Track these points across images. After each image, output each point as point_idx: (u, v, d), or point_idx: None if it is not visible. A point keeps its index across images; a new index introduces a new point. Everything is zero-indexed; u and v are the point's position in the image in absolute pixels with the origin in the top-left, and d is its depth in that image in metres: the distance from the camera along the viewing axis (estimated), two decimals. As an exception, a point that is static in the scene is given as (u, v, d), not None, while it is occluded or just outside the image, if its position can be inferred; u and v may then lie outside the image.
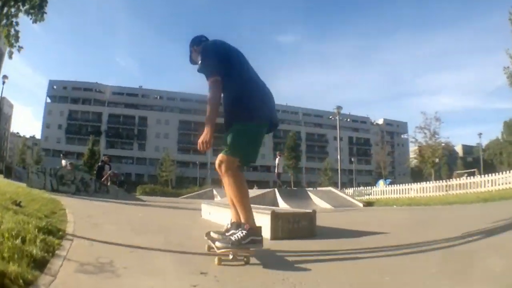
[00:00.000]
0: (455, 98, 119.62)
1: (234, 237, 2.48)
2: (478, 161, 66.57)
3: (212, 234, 2.69)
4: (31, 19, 5.83)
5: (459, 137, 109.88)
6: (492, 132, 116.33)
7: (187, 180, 59.42)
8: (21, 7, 5.78)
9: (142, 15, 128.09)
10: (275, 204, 12.05)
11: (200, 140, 2.59)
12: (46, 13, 5.85)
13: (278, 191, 13.42)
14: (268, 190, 14.07)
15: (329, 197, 13.86)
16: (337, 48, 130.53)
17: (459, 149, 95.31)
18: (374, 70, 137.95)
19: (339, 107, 27.98)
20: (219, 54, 2.76)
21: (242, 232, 2.49)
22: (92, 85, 79.39)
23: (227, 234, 2.57)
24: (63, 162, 18.00)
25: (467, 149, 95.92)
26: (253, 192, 13.68)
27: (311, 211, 4.18)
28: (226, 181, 2.63)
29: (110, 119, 76.58)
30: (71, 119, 74.72)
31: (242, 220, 2.58)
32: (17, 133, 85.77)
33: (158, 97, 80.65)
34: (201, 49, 2.84)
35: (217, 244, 2.52)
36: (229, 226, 2.69)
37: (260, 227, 2.63)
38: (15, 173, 26.62)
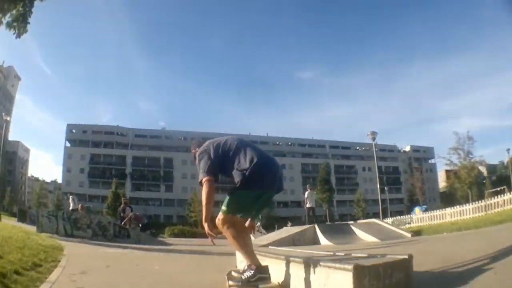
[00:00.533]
0: (473, 120, 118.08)
1: (244, 275, 2.84)
2: (501, 179, 66.15)
3: (233, 273, 3.08)
4: (14, 33, 5.52)
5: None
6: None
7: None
8: (1, 20, 5.41)
9: (161, 58, 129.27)
10: (316, 241, 11.22)
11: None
12: (29, 23, 5.65)
13: (318, 227, 12.00)
14: (307, 226, 12.71)
15: (373, 229, 12.56)
16: (356, 80, 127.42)
17: (483, 169, 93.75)
18: (395, 99, 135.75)
19: (373, 133, 27.38)
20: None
21: (250, 272, 2.82)
22: (113, 128, 78.11)
23: (243, 273, 2.89)
24: (71, 202, 17.22)
25: (491, 167, 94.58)
26: (290, 230, 13.57)
27: (406, 256, 2.55)
28: (225, 234, 2.95)
29: (135, 162, 75.24)
30: (93, 162, 73.38)
31: (248, 263, 2.89)
32: (36, 177, 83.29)
33: (182, 138, 78.78)
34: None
35: (230, 282, 2.96)
36: (246, 267, 2.92)
37: (266, 266, 2.91)
38: (29, 217, 25.21)
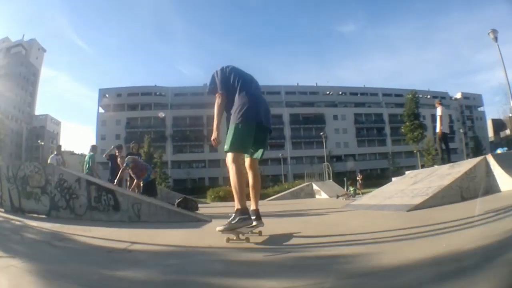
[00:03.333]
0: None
1: (229, 220, 3.18)
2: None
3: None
4: None
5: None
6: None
7: (267, 179, 51.54)
8: None
9: (200, 20, 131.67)
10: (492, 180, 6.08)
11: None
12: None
13: (494, 157, 6.37)
14: (478, 158, 6.65)
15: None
16: (397, 32, 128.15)
17: None
18: (434, 50, 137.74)
19: (494, 31, 18.44)
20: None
21: (234, 215, 3.17)
22: (150, 88, 73.18)
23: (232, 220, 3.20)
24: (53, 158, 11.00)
25: None
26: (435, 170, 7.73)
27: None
28: (230, 172, 3.30)
29: (175, 122, 69.79)
30: (130, 127, 67.92)
31: (235, 204, 3.24)
32: (71, 151, 78.63)
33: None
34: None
35: (218, 228, 3.21)
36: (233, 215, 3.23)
37: (248, 209, 3.25)
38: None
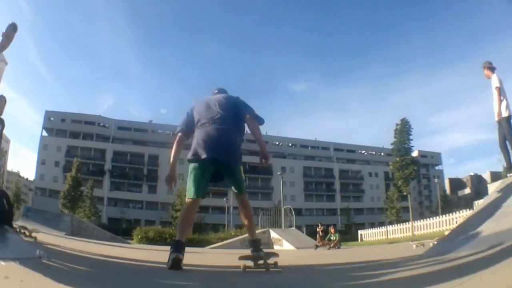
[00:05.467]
0: (465, 133, 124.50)
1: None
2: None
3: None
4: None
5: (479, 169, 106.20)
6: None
7: (207, 227, 48.68)
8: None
9: (153, 61, 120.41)
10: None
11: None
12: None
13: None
14: None
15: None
16: (350, 93, 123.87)
17: (487, 177, 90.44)
18: (388, 113, 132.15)
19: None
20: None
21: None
22: (95, 118, 68.44)
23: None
24: None
25: (494, 176, 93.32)
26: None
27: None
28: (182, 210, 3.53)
29: (116, 157, 66.04)
30: (70, 155, 63.66)
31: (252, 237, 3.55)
32: (17, 172, 74.68)
33: (171, 133, 70.37)
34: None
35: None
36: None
37: (181, 241, 3.08)
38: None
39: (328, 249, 11.86)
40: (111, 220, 58.18)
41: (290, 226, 18.50)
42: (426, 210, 78.96)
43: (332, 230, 13.68)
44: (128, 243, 14.29)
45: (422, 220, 26.65)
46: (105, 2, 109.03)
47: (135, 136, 68.71)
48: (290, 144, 76.20)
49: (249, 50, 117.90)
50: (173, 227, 30.82)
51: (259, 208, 60.26)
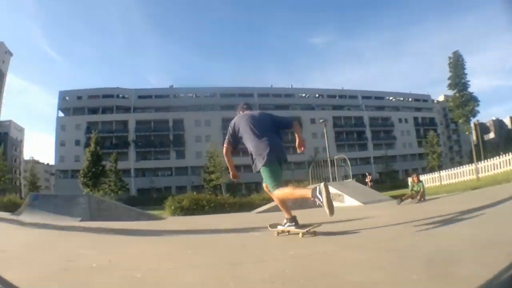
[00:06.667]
0: (484, 79, 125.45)
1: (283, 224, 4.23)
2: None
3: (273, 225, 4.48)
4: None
5: (499, 114, 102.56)
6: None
7: (240, 187, 47.09)
8: None
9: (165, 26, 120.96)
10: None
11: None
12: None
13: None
14: None
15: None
16: (368, 44, 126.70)
17: (508, 122, 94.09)
18: (406, 61, 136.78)
19: None
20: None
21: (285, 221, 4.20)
22: (112, 90, 66.54)
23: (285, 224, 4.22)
24: None
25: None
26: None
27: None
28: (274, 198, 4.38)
29: (139, 127, 64.31)
30: (91, 132, 62.44)
31: (284, 214, 4.25)
32: (36, 160, 74.42)
33: (194, 95, 68.00)
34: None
35: (278, 227, 4.29)
36: (285, 221, 4.21)
37: (295, 216, 4.17)
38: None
39: (417, 202, 9.06)
40: (140, 191, 57.27)
41: (346, 178, 15.51)
42: (457, 155, 78.01)
43: (414, 178, 10.17)
44: (160, 218, 11.30)
45: (486, 161, 23.38)
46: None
47: (157, 103, 66.54)
48: (317, 95, 73.15)
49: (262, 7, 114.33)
50: (209, 193, 27.60)
51: (292, 162, 59.75)
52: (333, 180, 15.04)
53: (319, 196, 3.48)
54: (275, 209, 10.91)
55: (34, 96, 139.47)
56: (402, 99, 77.92)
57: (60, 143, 62.96)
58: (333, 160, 16.43)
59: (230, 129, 4.38)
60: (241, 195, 25.11)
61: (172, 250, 3.83)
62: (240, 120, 4.34)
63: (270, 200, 13.69)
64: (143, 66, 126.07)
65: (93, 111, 65.04)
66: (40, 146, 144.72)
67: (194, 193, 16.98)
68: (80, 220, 9.56)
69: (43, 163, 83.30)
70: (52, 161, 69.78)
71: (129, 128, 63.84)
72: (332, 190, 10.34)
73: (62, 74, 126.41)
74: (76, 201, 11.28)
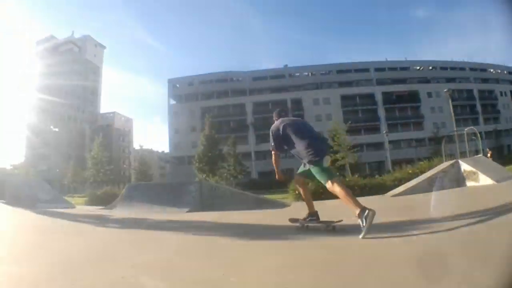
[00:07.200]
0: None
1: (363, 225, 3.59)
2: None
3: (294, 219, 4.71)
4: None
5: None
6: None
7: (363, 168, 45.64)
8: None
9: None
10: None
11: None
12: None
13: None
14: None
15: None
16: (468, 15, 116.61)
17: None
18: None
19: None
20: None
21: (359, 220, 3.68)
22: (226, 74, 66.52)
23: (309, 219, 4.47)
24: None
25: None
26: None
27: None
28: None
29: (256, 109, 62.26)
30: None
31: (354, 210, 3.73)
32: (150, 149, 73.66)
33: (310, 73, 67.27)
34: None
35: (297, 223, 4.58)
36: (307, 215, 4.47)
37: (365, 208, 3.61)
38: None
39: None
40: (261, 174, 55.37)
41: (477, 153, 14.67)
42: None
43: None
44: (284, 205, 9.24)
45: None
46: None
47: (273, 84, 65.55)
48: (430, 68, 70.96)
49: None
50: (338, 174, 24.68)
51: (414, 139, 58.62)
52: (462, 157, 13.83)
53: (364, 219, 3.55)
54: (411, 191, 9.45)
55: (143, 86, 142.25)
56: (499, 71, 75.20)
57: (174, 131, 62.67)
58: (464, 134, 15.55)
59: (274, 134, 4.53)
60: (365, 175, 22.30)
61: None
62: (285, 125, 4.45)
63: (402, 181, 12.09)
64: (253, 49, 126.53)
65: (207, 96, 64.48)
66: (154, 135, 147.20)
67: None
68: (187, 211, 8.55)
69: (156, 151, 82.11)
70: (167, 149, 69.02)
71: (247, 111, 63.01)
72: (465, 167, 9.46)
73: (168, 63, 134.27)
74: (186, 189, 9.80)
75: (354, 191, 10.32)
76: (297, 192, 11.56)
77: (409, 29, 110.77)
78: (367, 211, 3.55)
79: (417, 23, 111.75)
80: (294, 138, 4.30)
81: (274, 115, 4.88)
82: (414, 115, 63.42)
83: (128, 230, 5.84)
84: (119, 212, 9.24)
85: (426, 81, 66.59)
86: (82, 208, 12.68)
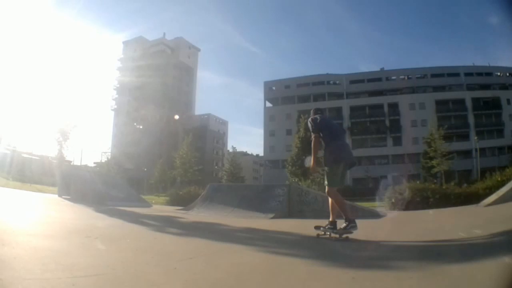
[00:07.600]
0: None
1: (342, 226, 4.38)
2: None
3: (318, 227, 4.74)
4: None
5: None
6: None
7: (453, 175, 42.78)
8: None
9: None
10: None
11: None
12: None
13: None
14: None
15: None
16: None
17: None
18: None
19: None
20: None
21: (345, 223, 4.40)
22: (322, 77, 66.92)
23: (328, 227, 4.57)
24: None
25: None
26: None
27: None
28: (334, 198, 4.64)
29: (353, 113, 62.82)
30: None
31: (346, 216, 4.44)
32: (234, 148, 77.91)
33: (406, 77, 65.81)
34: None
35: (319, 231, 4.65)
36: (328, 223, 4.56)
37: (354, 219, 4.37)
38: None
39: None
40: (355, 181, 54.59)
41: None
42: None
43: None
44: (378, 214, 8.69)
45: None
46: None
47: (370, 87, 64.81)
48: (508, 74, 64.80)
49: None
50: (434, 182, 22.44)
51: (496, 148, 54.85)
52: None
53: (349, 230, 4.30)
54: (504, 199, 8.95)
55: (239, 89, 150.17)
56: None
57: (270, 133, 64.11)
58: None
59: (314, 124, 4.80)
60: (455, 183, 20.21)
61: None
62: (323, 119, 4.88)
63: (492, 189, 10.75)
64: (350, 52, 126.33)
65: (304, 99, 65.05)
66: (249, 138, 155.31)
67: (417, 181, 14.72)
68: (272, 218, 7.89)
69: (251, 154, 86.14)
70: (262, 153, 71.47)
71: (344, 115, 62.76)
72: None
73: (263, 66, 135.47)
74: (272, 192, 9.21)
75: (449, 200, 11.56)
76: (393, 200, 12.85)
77: (485, 35, 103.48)
78: (352, 224, 4.27)
79: (492, 28, 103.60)
80: (328, 133, 4.75)
81: (312, 113, 5.17)
82: (496, 122, 59.66)
83: (187, 239, 4.95)
84: (194, 214, 9.04)
85: (505, 87, 61.75)
86: (157, 207, 12.63)
